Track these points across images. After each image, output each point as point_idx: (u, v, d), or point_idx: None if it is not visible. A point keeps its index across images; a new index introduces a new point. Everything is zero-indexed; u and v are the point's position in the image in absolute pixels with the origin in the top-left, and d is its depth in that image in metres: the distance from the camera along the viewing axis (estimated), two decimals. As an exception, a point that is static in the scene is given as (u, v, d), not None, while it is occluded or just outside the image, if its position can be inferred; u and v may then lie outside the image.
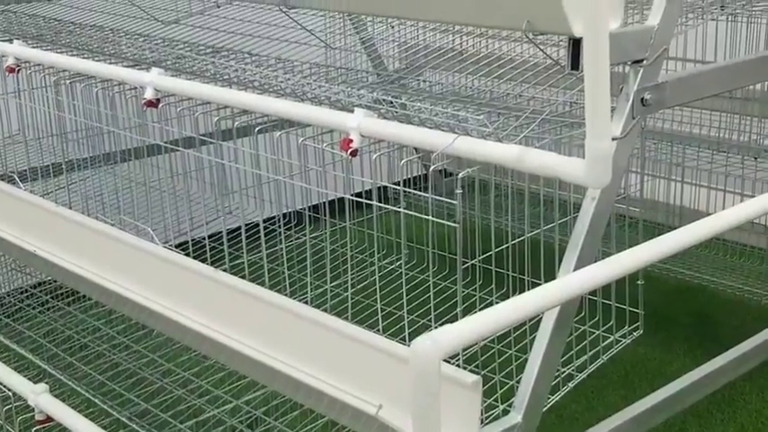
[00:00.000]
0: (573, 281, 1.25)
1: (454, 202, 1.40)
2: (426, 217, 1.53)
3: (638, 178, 2.34)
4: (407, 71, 2.62)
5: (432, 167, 1.50)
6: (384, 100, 1.56)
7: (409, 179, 2.56)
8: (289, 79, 1.69)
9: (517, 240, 1.64)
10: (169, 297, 1.77)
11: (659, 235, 1.36)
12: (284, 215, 2.15)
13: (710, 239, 3.25)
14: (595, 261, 1.40)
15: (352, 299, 1.88)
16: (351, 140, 1.55)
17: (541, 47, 1.47)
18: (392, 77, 2.58)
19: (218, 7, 2.26)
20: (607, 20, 1.25)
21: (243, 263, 1.83)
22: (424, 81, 2.58)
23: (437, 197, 1.45)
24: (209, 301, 1.74)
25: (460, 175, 1.38)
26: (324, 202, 1.91)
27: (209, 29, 2.17)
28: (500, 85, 1.88)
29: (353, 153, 1.55)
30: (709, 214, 1.49)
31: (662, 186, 3.24)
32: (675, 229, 1.41)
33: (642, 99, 1.55)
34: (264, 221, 1.80)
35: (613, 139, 1.53)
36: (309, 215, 1.96)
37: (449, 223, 1.43)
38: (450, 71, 2.39)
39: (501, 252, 1.75)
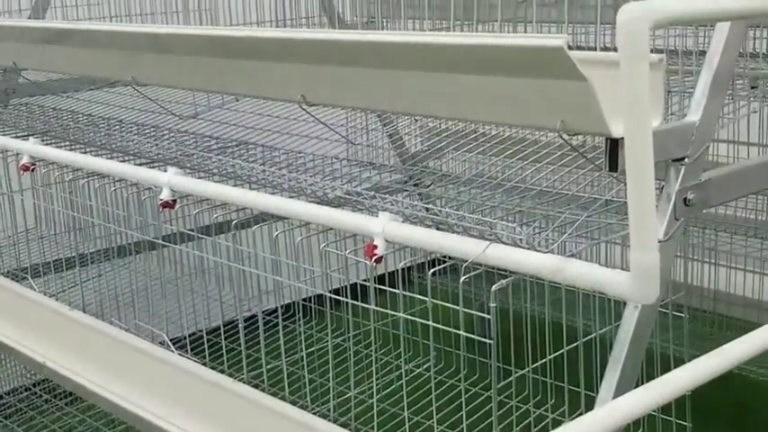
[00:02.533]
0: (618, 410, 1.14)
1: (488, 316, 1.30)
2: (455, 306, 1.43)
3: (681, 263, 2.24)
4: (430, 153, 2.55)
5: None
6: (412, 205, 1.47)
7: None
8: (312, 183, 1.62)
9: (561, 351, 1.53)
10: (181, 408, 1.68)
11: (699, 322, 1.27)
12: (304, 310, 2.05)
13: (746, 323, 3.15)
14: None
15: (377, 406, 1.77)
16: (375, 246, 1.47)
17: (578, 148, 1.39)
18: (415, 160, 2.51)
19: (238, 101, 2.20)
20: (650, 120, 1.17)
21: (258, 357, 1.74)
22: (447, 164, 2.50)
23: (467, 310, 1.35)
24: (226, 414, 1.64)
25: (494, 288, 1.29)
26: (345, 286, 1.81)
27: (228, 124, 2.11)
28: (528, 171, 1.79)
29: (378, 260, 1.46)
30: (745, 298, 1.39)
31: (696, 269, 3.14)
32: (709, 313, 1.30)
33: (685, 199, 1.46)
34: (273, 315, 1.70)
35: (659, 242, 1.44)
36: (331, 313, 1.86)
37: (482, 339, 1.33)
38: (473, 153, 2.32)
39: (525, 344, 1.65)
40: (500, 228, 1.34)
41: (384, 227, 1.46)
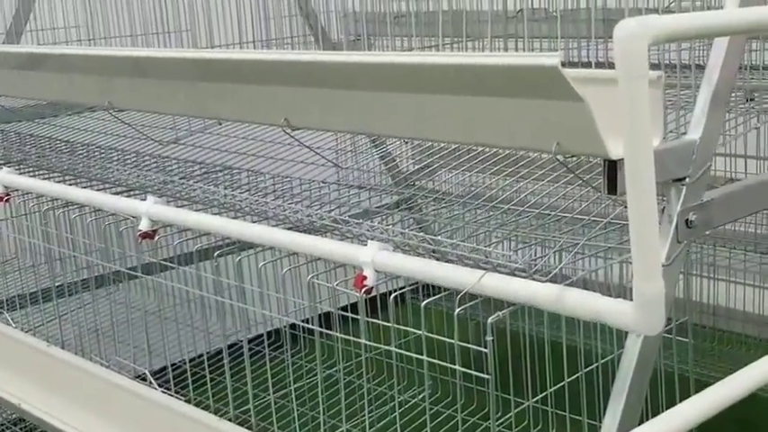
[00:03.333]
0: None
1: (484, 350, 1.23)
2: (451, 340, 1.36)
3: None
4: (423, 173, 2.48)
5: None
6: (402, 232, 1.40)
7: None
8: (297, 211, 1.55)
9: (562, 383, 1.46)
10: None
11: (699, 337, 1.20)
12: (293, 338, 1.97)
13: (747, 338, 3.07)
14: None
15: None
16: (365, 277, 1.40)
17: (575, 168, 1.33)
18: (407, 182, 2.44)
19: (221, 125, 2.13)
20: (651, 141, 1.10)
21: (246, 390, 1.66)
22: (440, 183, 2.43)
23: (462, 343, 1.28)
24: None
25: (491, 320, 1.21)
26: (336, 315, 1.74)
27: (211, 148, 2.04)
28: (526, 193, 1.72)
29: (368, 291, 1.39)
30: (744, 312, 1.32)
31: (695, 284, 3.08)
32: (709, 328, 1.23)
33: (687, 221, 1.40)
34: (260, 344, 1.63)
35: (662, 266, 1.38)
36: (321, 342, 1.78)
37: (480, 374, 1.26)
38: (469, 173, 2.25)
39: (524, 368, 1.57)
40: (495, 256, 1.27)
41: (373, 256, 1.39)
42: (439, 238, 1.34)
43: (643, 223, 1.08)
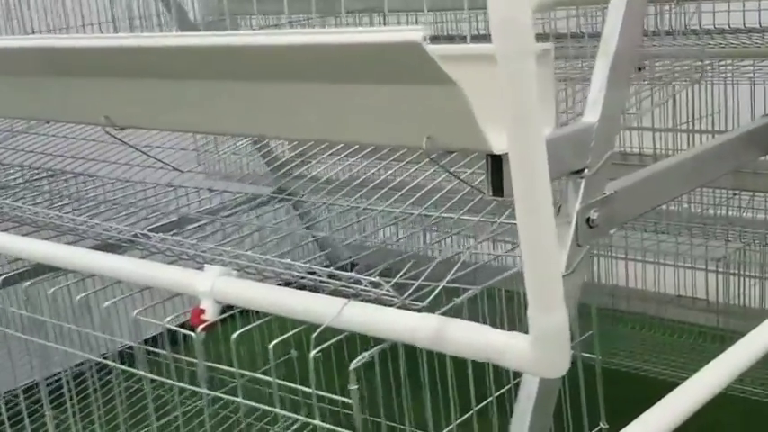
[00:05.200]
0: None
1: (349, 400, 0.98)
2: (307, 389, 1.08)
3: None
4: (299, 160, 2.22)
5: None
6: (245, 255, 1.14)
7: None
8: (93, 225, 1.26)
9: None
10: None
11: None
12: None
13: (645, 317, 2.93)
14: None
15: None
16: (203, 310, 1.13)
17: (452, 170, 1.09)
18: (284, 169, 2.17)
19: (48, 123, 1.82)
20: (541, 131, 0.87)
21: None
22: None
23: (323, 393, 1.03)
24: None
25: (352, 367, 0.96)
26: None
27: (36, 152, 1.73)
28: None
29: (209, 328, 1.13)
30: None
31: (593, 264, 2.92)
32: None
33: (588, 219, 1.17)
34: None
35: (557, 277, 1.15)
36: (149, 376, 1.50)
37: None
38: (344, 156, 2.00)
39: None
40: (365, 283, 1.02)
41: (213, 285, 1.12)
42: (288, 260, 1.08)
43: (537, 237, 0.85)
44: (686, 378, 1.09)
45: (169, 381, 1.14)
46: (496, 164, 1.04)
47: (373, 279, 1.00)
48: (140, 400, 1.27)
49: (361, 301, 1.04)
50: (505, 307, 1.32)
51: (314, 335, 1.00)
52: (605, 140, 1.18)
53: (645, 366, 2.69)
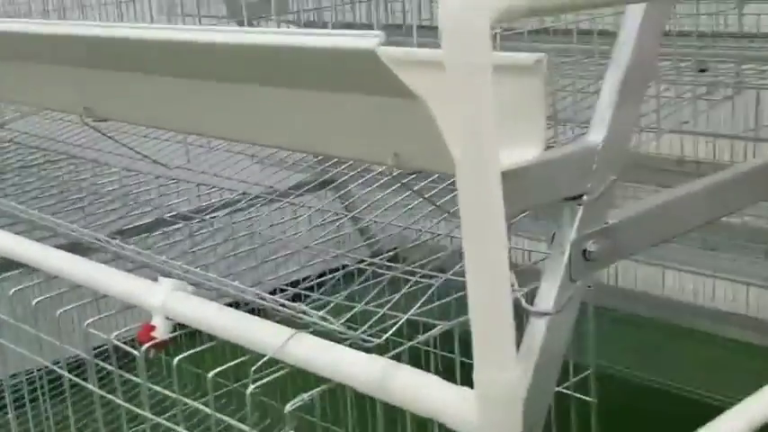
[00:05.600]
0: None
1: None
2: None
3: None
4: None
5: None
6: (197, 271, 1.04)
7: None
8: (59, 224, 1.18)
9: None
10: None
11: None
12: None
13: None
14: None
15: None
16: (153, 327, 1.04)
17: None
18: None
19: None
20: (495, 161, 0.74)
21: None
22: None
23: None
24: None
25: (288, 409, 0.86)
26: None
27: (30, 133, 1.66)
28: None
29: (158, 347, 1.04)
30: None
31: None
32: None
33: (584, 251, 1.04)
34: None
35: (543, 315, 1.03)
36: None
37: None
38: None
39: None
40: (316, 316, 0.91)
41: (164, 300, 1.03)
42: (227, 281, 0.98)
43: (484, 282, 0.73)
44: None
45: (116, 399, 1.05)
46: (472, 187, 0.92)
47: (320, 314, 0.89)
48: (92, 413, 1.19)
49: (313, 332, 0.93)
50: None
51: (253, 368, 0.90)
52: (610, 163, 1.04)
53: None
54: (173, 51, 0.93)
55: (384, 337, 0.90)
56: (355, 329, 0.94)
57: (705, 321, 2.79)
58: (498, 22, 0.71)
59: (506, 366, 0.75)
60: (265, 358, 0.90)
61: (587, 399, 1.13)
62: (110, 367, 1.04)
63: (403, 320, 0.94)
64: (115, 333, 1.04)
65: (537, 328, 1.02)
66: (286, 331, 0.92)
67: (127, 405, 1.03)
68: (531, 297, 1.06)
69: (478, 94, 0.71)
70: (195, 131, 1.14)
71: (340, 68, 0.85)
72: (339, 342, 0.91)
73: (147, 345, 1.01)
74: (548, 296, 1.02)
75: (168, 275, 1.06)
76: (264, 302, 0.96)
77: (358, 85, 0.86)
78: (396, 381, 0.84)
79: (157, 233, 1.26)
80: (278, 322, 0.96)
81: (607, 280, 2.78)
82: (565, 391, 1.17)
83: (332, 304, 0.96)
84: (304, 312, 0.92)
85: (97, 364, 1.08)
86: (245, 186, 1.45)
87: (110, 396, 1.05)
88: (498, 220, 0.72)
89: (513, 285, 1.17)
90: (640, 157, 2.34)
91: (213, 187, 1.46)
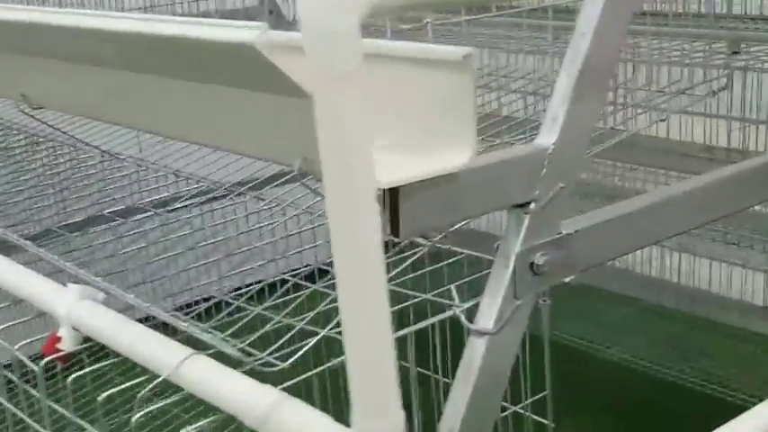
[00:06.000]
0: None
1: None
2: None
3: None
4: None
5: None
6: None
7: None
8: None
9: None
10: None
11: None
12: None
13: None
14: None
15: None
16: (59, 338, 0.96)
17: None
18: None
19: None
20: (369, 174, 0.64)
21: None
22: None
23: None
24: None
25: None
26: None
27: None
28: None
29: (63, 359, 0.96)
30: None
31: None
32: None
33: (532, 264, 0.94)
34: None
35: (483, 335, 0.93)
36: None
37: None
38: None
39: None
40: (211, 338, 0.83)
41: (70, 309, 0.95)
42: (125, 293, 0.89)
43: (361, 321, 0.64)
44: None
45: (20, 414, 0.98)
46: (393, 198, 0.83)
47: (222, 336, 0.80)
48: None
49: (215, 354, 0.85)
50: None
51: (141, 393, 0.82)
52: (562, 168, 0.93)
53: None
54: (77, 38, 0.85)
55: (289, 362, 0.81)
56: (265, 350, 0.85)
57: (734, 315, 2.67)
58: (371, 18, 0.61)
59: (385, 413, 0.65)
60: (158, 380, 0.82)
61: (544, 421, 1.03)
62: (16, 379, 0.97)
63: (316, 340, 0.84)
64: (21, 343, 0.96)
65: (476, 348, 0.92)
66: (184, 352, 0.83)
67: (30, 422, 0.96)
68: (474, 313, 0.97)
69: (350, 104, 0.61)
70: (109, 120, 1.06)
71: (228, 63, 0.76)
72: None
73: (48, 357, 0.94)
74: (488, 313, 0.92)
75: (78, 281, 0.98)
76: (164, 318, 0.88)
77: (252, 82, 0.77)
78: (283, 416, 0.75)
79: (100, 229, 1.19)
80: (185, 340, 0.87)
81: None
82: (520, 411, 1.07)
83: (243, 321, 0.87)
84: (208, 331, 0.83)
85: (5, 376, 1.00)
86: (189, 183, 1.36)
87: (15, 410, 0.98)
88: (374, 252, 0.63)
89: (453, 300, 1.09)
90: (668, 143, 2.23)
91: (168, 180, 1.38)
